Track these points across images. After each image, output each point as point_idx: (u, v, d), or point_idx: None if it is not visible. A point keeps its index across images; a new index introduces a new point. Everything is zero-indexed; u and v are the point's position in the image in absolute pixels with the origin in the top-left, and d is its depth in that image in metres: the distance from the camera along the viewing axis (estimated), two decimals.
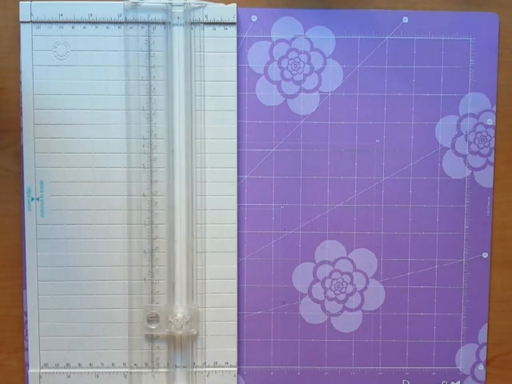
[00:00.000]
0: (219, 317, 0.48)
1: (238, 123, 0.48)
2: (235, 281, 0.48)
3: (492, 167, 0.49)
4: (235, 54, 0.47)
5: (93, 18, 0.46)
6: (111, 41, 0.47)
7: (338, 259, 0.49)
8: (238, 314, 0.49)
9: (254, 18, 0.47)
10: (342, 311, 0.49)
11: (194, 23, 0.46)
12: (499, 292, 0.50)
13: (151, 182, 0.47)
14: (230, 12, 0.47)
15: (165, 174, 0.47)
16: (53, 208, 0.47)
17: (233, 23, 0.47)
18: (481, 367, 0.50)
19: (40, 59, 0.47)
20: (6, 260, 0.48)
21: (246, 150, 0.48)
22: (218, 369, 0.49)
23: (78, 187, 0.47)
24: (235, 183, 0.48)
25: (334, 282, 0.49)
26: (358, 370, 0.50)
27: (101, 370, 0.48)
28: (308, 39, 0.48)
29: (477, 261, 0.49)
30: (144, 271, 0.48)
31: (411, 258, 0.49)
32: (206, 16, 0.46)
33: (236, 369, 0.49)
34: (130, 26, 0.46)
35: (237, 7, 0.47)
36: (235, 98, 0.47)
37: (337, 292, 0.49)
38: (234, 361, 0.49)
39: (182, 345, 0.48)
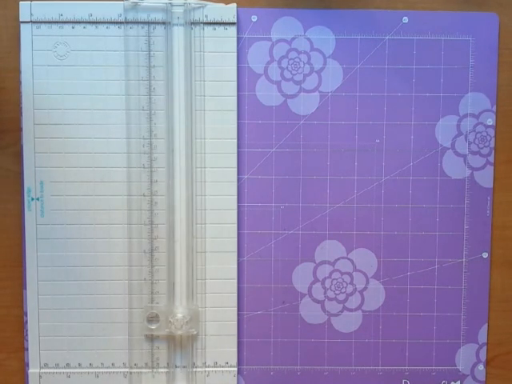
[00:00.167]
0: (219, 317, 0.48)
1: (238, 123, 0.48)
2: (235, 281, 0.48)
3: (492, 167, 0.49)
4: (235, 54, 0.47)
5: (93, 18, 0.46)
6: (111, 41, 0.47)
7: (338, 259, 0.49)
8: (238, 314, 0.49)
9: (254, 18, 0.47)
10: (341, 311, 0.49)
11: (193, 23, 0.46)
12: (499, 292, 0.50)
13: (151, 182, 0.47)
14: (229, 12, 0.47)
15: (165, 173, 0.47)
16: (53, 208, 0.47)
17: (233, 23, 0.47)
18: (481, 367, 0.50)
19: (40, 59, 0.47)
20: (6, 260, 0.48)
21: (245, 150, 0.48)
22: (218, 369, 0.49)
23: (77, 187, 0.47)
24: (235, 183, 0.48)
25: (334, 281, 0.49)
26: (357, 370, 0.50)
27: (101, 370, 0.48)
28: (308, 39, 0.48)
29: (477, 261, 0.49)
30: (144, 271, 0.48)
31: (411, 257, 0.49)
32: (206, 16, 0.46)
33: (236, 369, 0.49)
34: (130, 25, 0.46)
35: (237, 7, 0.47)
36: (235, 98, 0.47)
37: (337, 292, 0.49)
38: (234, 361, 0.49)
39: (182, 345, 0.48)
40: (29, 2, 0.46)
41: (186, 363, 0.48)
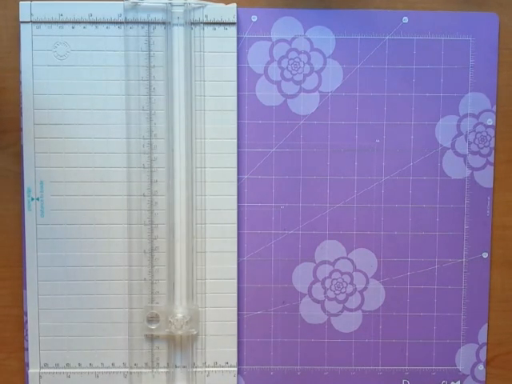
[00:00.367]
0: (219, 317, 0.48)
1: (238, 123, 0.48)
2: (235, 281, 0.48)
3: (492, 167, 0.49)
4: (235, 54, 0.47)
5: (93, 18, 0.46)
6: (111, 41, 0.47)
7: (338, 259, 0.49)
8: (238, 314, 0.49)
9: (254, 18, 0.47)
10: (341, 311, 0.49)
11: (193, 23, 0.46)
12: (499, 292, 0.50)
13: (151, 182, 0.47)
14: (229, 12, 0.47)
15: (165, 173, 0.47)
16: (53, 208, 0.47)
17: (233, 23, 0.47)
18: (481, 367, 0.50)
19: (40, 59, 0.47)
20: (6, 260, 0.48)
21: (245, 150, 0.48)
22: (218, 369, 0.49)
23: (77, 187, 0.47)
24: (235, 183, 0.48)
25: (334, 282, 0.49)
26: (357, 370, 0.50)
27: (101, 370, 0.48)
28: (308, 39, 0.48)
29: (477, 261, 0.49)
30: (144, 271, 0.48)
31: (411, 257, 0.49)
32: (206, 16, 0.46)
33: (236, 369, 0.49)
34: (130, 26, 0.46)
35: (237, 7, 0.47)
36: (235, 98, 0.47)
37: (337, 292, 0.49)
38: (234, 361, 0.49)
39: (182, 345, 0.48)
40: (29, 2, 0.46)
41: (186, 363, 0.48)
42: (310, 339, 0.49)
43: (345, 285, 0.49)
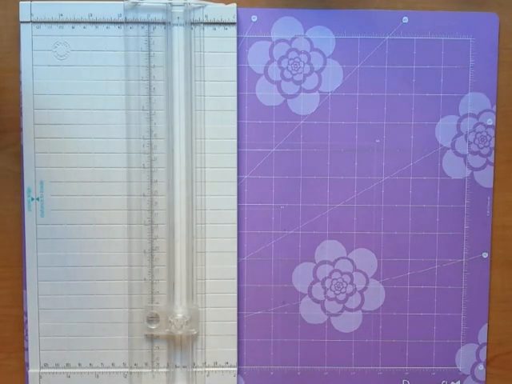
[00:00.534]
0: (219, 317, 0.48)
1: (238, 123, 0.48)
2: (235, 281, 0.48)
3: (492, 167, 0.49)
4: (235, 54, 0.47)
5: (93, 18, 0.46)
6: (111, 41, 0.47)
7: (338, 259, 0.49)
8: (238, 314, 0.49)
9: (254, 18, 0.47)
10: (341, 311, 0.49)
11: (193, 23, 0.46)
12: (499, 292, 0.50)
13: (151, 182, 0.47)
14: (230, 12, 0.47)
15: (165, 173, 0.47)
16: (53, 208, 0.47)
17: (233, 23, 0.47)
18: (481, 367, 0.50)
19: (40, 59, 0.47)
20: (6, 260, 0.48)
21: (245, 150, 0.48)
22: (218, 369, 0.49)
23: (77, 187, 0.47)
24: (235, 183, 0.48)
25: (334, 282, 0.49)
26: (357, 370, 0.50)
27: (101, 370, 0.48)
28: (308, 39, 0.48)
29: (477, 261, 0.49)
30: (144, 271, 0.48)
31: (411, 257, 0.49)
32: (206, 16, 0.46)
33: (236, 369, 0.49)
34: (130, 25, 0.46)
35: (237, 7, 0.47)
36: (235, 98, 0.47)
37: (337, 292, 0.49)
38: (234, 361, 0.49)
39: (182, 345, 0.48)
40: (29, 2, 0.46)
41: (186, 363, 0.48)
42: (310, 339, 0.49)
43: (345, 285, 0.49)
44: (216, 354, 0.49)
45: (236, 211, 0.48)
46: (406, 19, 0.48)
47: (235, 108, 0.47)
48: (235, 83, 0.47)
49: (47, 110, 0.47)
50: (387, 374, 0.50)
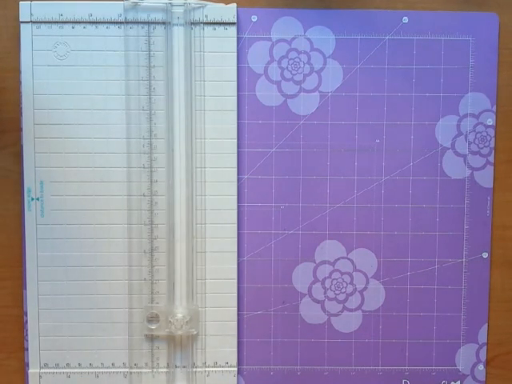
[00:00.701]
0: (219, 317, 0.48)
1: (238, 123, 0.48)
2: (235, 281, 0.48)
3: (492, 167, 0.49)
4: (235, 54, 0.47)
5: (93, 18, 0.46)
6: (111, 41, 0.47)
7: (338, 259, 0.49)
8: (238, 314, 0.49)
9: (254, 18, 0.47)
10: (342, 311, 0.49)
11: (193, 23, 0.46)
12: (499, 292, 0.50)
13: (151, 181, 0.47)
14: (230, 12, 0.47)
15: (165, 173, 0.47)
16: (53, 208, 0.47)
17: (233, 23, 0.47)
18: (481, 367, 0.50)
19: (40, 59, 0.47)
20: (6, 260, 0.48)
21: (245, 150, 0.48)
22: (218, 369, 0.49)
23: (77, 187, 0.47)
24: (235, 183, 0.48)
25: (334, 282, 0.49)
26: (357, 370, 0.50)
27: (101, 370, 0.48)
28: (308, 39, 0.48)
29: (477, 261, 0.49)
30: (144, 271, 0.48)
31: (411, 257, 0.49)
32: (206, 16, 0.46)
33: (236, 369, 0.49)
34: (130, 26, 0.46)
35: (237, 7, 0.47)
36: (235, 97, 0.47)
37: (337, 292, 0.49)
38: (234, 361, 0.49)
39: (182, 345, 0.48)
40: (29, 2, 0.46)
41: (186, 363, 0.48)
42: (310, 339, 0.49)
43: (345, 285, 0.49)
44: (216, 353, 0.49)
45: (236, 211, 0.48)
46: (406, 19, 0.48)
47: (235, 108, 0.47)
48: (235, 83, 0.47)
49: (47, 110, 0.47)
50: (387, 373, 0.50)
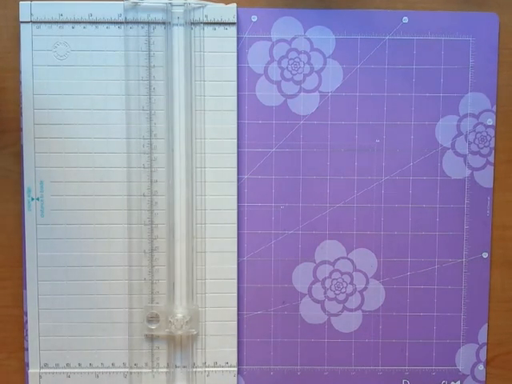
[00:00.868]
0: (219, 317, 0.48)
1: (238, 123, 0.48)
2: (235, 281, 0.48)
3: (492, 167, 0.49)
4: (235, 54, 0.47)
5: (93, 18, 0.46)
6: (111, 41, 0.47)
7: (338, 259, 0.49)
8: (238, 314, 0.49)
9: (254, 18, 0.47)
10: (342, 311, 0.49)
11: (193, 23, 0.46)
12: (499, 292, 0.50)
13: (151, 181, 0.47)
14: (230, 12, 0.47)
15: (165, 173, 0.47)
16: (53, 208, 0.47)
17: (233, 23, 0.47)
18: (481, 367, 0.50)
19: (40, 59, 0.47)
20: (6, 260, 0.48)
21: (245, 150, 0.48)
22: (218, 369, 0.49)
23: (77, 187, 0.47)
24: (235, 183, 0.48)
25: (334, 282, 0.49)
26: (357, 370, 0.50)
27: (101, 370, 0.48)
28: (308, 39, 0.48)
29: (477, 261, 0.49)
30: (144, 271, 0.48)
31: (411, 257, 0.49)
32: (206, 16, 0.46)
33: (236, 369, 0.49)
34: (130, 26, 0.46)
35: (237, 7, 0.47)
36: (235, 98, 0.47)
37: (337, 292, 0.49)
38: (234, 361, 0.49)
39: (182, 345, 0.48)
40: (29, 2, 0.46)
41: (186, 363, 0.48)
42: (310, 339, 0.49)
43: (345, 285, 0.49)
44: (216, 354, 0.49)
45: (236, 211, 0.48)
46: (406, 19, 0.48)
47: (235, 108, 0.47)
48: (235, 83, 0.47)
49: (47, 110, 0.47)
50: (387, 373, 0.50)
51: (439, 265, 0.49)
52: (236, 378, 0.49)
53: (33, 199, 0.47)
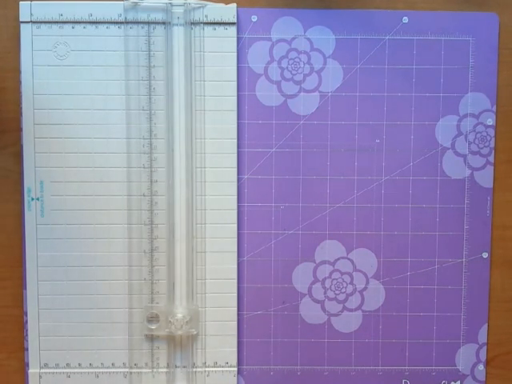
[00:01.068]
0: (219, 317, 0.48)
1: (238, 123, 0.48)
2: (235, 281, 0.48)
3: (492, 167, 0.49)
4: (235, 54, 0.47)
5: (93, 18, 0.46)
6: (111, 41, 0.47)
7: (338, 259, 0.49)
8: (238, 314, 0.49)
9: (254, 18, 0.47)
10: (342, 311, 0.49)
11: (193, 23, 0.46)
12: (499, 292, 0.50)
13: (151, 181, 0.47)
14: (230, 12, 0.47)
15: (165, 174, 0.47)
16: (53, 208, 0.47)
17: (233, 23, 0.47)
18: (481, 367, 0.50)
19: (40, 59, 0.47)
20: (6, 260, 0.48)
21: (245, 150, 0.48)
22: (218, 369, 0.49)
23: (77, 187, 0.47)
24: (235, 183, 0.48)
25: (334, 282, 0.49)
26: (357, 370, 0.50)
27: (101, 370, 0.48)
28: (308, 39, 0.48)
29: (477, 261, 0.49)
30: (144, 271, 0.48)
31: (411, 258, 0.49)
32: (206, 16, 0.46)
33: (236, 369, 0.49)
34: (130, 26, 0.46)
35: (237, 7, 0.47)
36: (235, 97, 0.47)
37: (337, 292, 0.49)
38: (234, 361, 0.49)
39: (182, 345, 0.48)
40: (29, 2, 0.46)
41: (186, 363, 0.48)
42: (310, 339, 0.49)
43: (345, 285, 0.49)
44: (216, 353, 0.49)
45: (236, 211, 0.48)
46: (406, 19, 0.48)
47: (235, 108, 0.47)
48: (235, 83, 0.47)
49: (47, 110, 0.47)
50: (387, 373, 0.50)
51: (439, 265, 0.49)
52: (236, 378, 0.49)
53: (33, 199, 0.47)
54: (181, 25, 0.46)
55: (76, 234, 0.48)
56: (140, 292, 0.48)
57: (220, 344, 0.48)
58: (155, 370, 0.48)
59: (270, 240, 0.49)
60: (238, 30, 0.47)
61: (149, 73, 0.47)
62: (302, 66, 0.48)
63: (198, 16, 0.46)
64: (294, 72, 0.48)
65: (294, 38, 0.47)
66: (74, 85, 0.47)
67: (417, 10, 0.48)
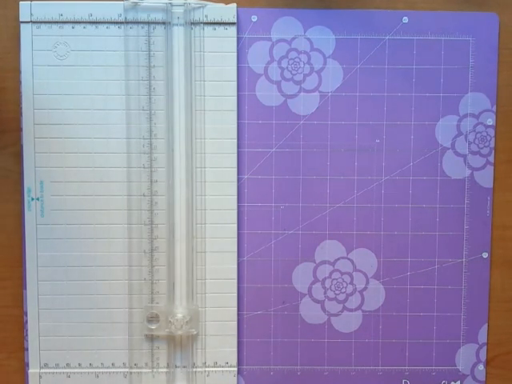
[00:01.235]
0: (219, 317, 0.48)
1: (238, 123, 0.48)
2: (235, 281, 0.48)
3: (492, 167, 0.49)
4: (235, 54, 0.47)
5: (93, 18, 0.46)
6: (111, 41, 0.47)
7: (338, 259, 0.49)
8: (238, 314, 0.49)
9: (254, 18, 0.47)
10: (342, 311, 0.49)
11: (194, 23, 0.46)
12: (499, 292, 0.50)
13: (151, 181, 0.47)
14: (230, 12, 0.47)
15: (165, 173, 0.47)
16: (53, 208, 0.47)
17: (233, 23, 0.47)
18: (481, 367, 0.50)
19: (40, 59, 0.47)
20: (6, 260, 0.48)
21: (245, 150, 0.48)
22: (218, 369, 0.49)
23: (77, 187, 0.47)
24: (235, 183, 0.48)
25: (334, 282, 0.49)
26: (357, 370, 0.50)
27: (101, 370, 0.48)
28: (308, 39, 0.48)
29: (477, 261, 0.49)
30: (144, 271, 0.48)
31: (411, 258, 0.49)
32: (206, 16, 0.46)
33: (236, 369, 0.49)
34: (130, 25, 0.46)
35: (237, 7, 0.47)
36: (235, 97, 0.47)
37: (337, 292, 0.49)
38: (234, 361, 0.49)
39: (182, 345, 0.48)
40: (29, 2, 0.46)
41: (186, 363, 0.48)
42: (310, 339, 0.49)
43: (345, 285, 0.49)
44: (216, 353, 0.49)
45: (236, 211, 0.48)
46: (405, 19, 0.48)
47: (235, 108, 0.47)
48: (235, 83, 0.47)
49: (47, 110, 0.47)
50: (387, 373, 0.50)
51: (439, 265, 0.49)
52: (236, 378, 0.49)
53: (33, 199, 0.47)
54: (181, 25, 0.46)
55: (76, 234, 0.48)
56: (140, 292, 0.48)
57: (220, 344, 0.48)
58: (155, 370, 0.48)
59: (270, 240, 0.49)
60: (237, 30, 0.47)
61: (149, 73, 0.47)
62: (302, 66, 0.48)
63: (197, 16, 0.46)
64: (294, 72, 0.48)
65: (293, 38, 0.47)
66: (73, 85, 0.47)
67: (417, 10, 0.48)
